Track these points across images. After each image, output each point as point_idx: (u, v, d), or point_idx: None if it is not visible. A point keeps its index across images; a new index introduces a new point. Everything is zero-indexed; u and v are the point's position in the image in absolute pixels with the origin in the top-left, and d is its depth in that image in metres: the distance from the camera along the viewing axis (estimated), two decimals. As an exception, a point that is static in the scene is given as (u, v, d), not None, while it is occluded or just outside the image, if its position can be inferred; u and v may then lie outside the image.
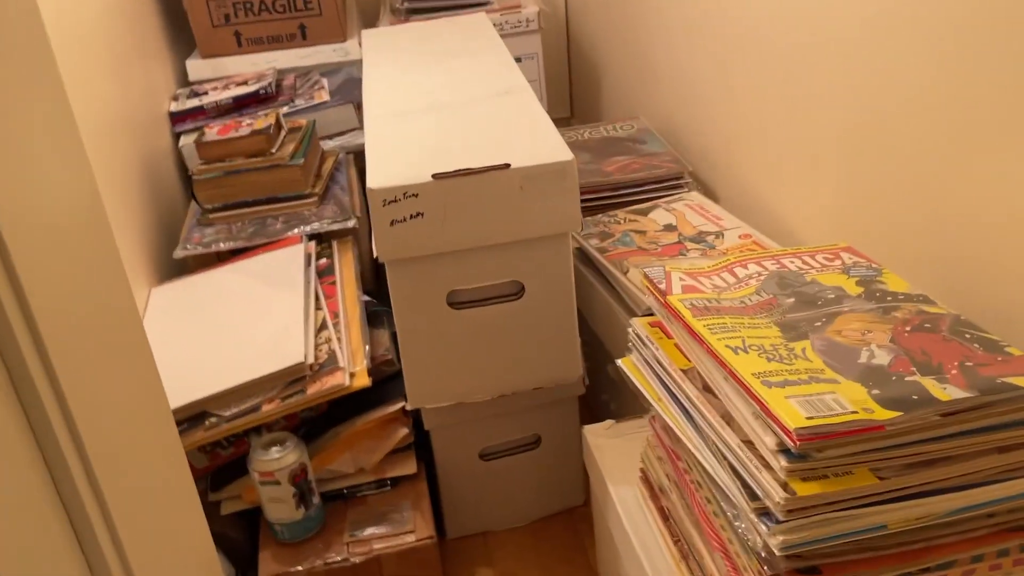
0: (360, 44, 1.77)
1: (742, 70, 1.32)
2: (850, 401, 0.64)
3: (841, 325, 0.75)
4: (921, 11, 0.89)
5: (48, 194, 0.55)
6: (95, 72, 1.31)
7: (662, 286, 0.84)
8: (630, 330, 0.89)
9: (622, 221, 1.37)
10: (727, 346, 0.72)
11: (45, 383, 0.51)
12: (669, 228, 1.32)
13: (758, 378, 0.67)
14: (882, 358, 0.69)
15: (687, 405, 0.77)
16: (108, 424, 0.58)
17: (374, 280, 1.51)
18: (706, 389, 0.75)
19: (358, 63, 1.79)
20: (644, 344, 0.86)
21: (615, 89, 2.01)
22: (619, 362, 0.90)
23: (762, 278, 0.85)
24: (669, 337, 0.84)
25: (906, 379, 0.66)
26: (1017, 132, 0.79)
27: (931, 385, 0.65)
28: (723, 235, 1.27)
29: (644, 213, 1.38)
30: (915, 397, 0.64)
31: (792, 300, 0.80)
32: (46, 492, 0.52)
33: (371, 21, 2.05)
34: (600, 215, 1.39)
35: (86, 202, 0.61)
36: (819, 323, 0.76)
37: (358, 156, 1.68)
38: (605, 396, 1.41)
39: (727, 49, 1.36)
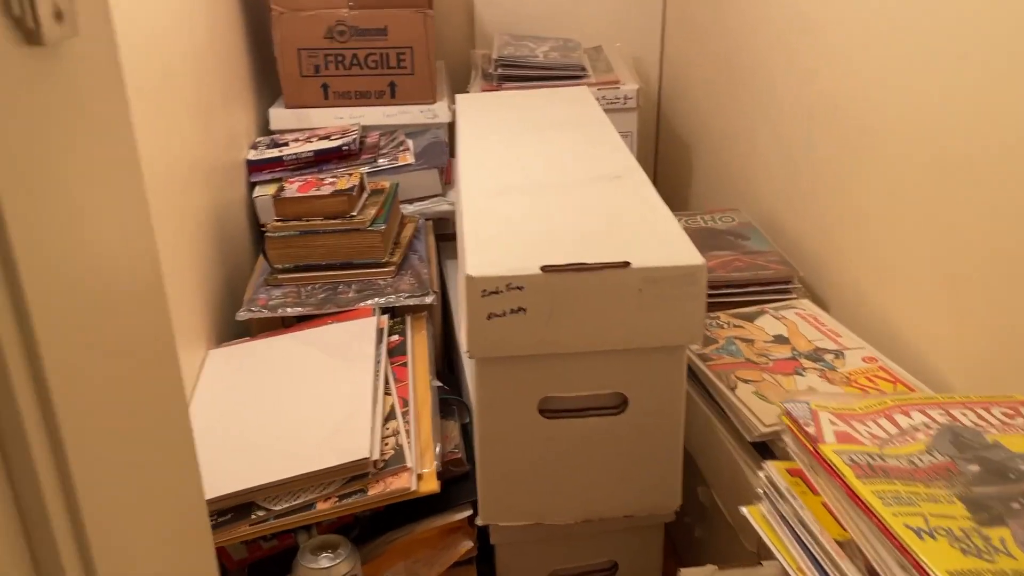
0: (449, 108, 1.69)
1: (870, 170, 1.20)
2: (1088, 631, 0.50)
3: (1048, 512, 0.60)
4: None
5: (95, 257, 0.43)
6: (179, 112, 1.23)
7: (810, 429, 0.70)
8: (762, 475, 0.75)
9: (725, 325, 1.23)
10: (906, 526, 0.58)
11: (61, 511, 0.39)
12: (780, 340, 1.18)
13: (958, 580, 0.53)
14: (1115, 569, 0.55)
15: (843, 588, 0.63)
16: (130, 554, 0.47)
17: (444, 363, 1.39)
18: (872, 573, 0.61)
19: (445, 126, 1.70)
20: (781, 496, 0.72)
21: (709, 176, 1.90)
22: (744, 510, 0.76)
23: (931, 432, 0.71)
24: (814, 492, 0.70)
25: None
26: None
27: None
28: (843, 355, 1.13)
29: (750, 319, 1.25)
30: None
31: (976, 468, 0.66)
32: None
33: (460, 85, 1.98)
34: (700, 316, 1.26)
35: (141, 274, 0.49)
36: (1017, 505, 0.61)
37: (437, 223, 1.59)
38: (689, 519, 1.26)
39: (853, 145, 1.24)
